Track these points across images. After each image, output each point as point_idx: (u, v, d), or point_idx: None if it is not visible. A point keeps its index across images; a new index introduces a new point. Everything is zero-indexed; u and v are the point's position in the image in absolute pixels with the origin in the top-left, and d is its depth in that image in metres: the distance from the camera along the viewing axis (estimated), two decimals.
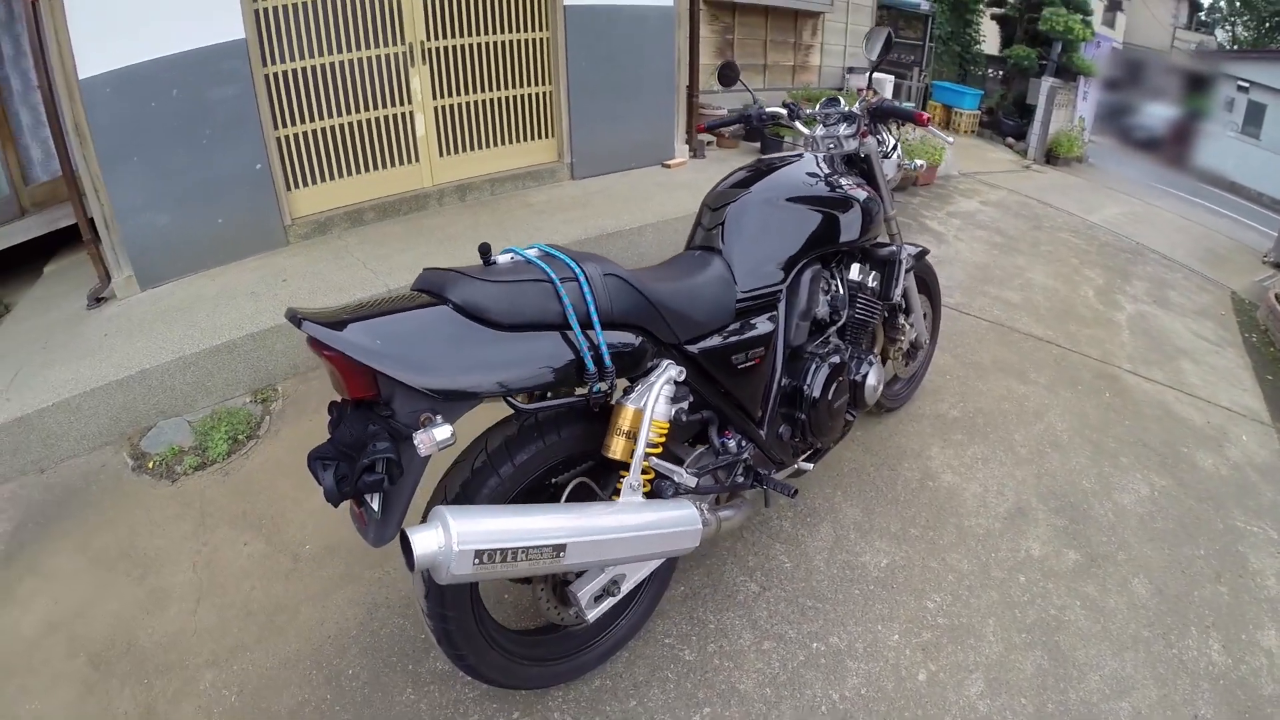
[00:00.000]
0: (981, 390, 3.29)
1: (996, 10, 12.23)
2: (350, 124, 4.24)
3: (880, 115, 2.39)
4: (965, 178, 7.55)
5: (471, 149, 4.79)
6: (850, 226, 2.10)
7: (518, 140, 4.98)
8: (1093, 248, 5.89)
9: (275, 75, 3.87)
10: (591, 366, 1.34)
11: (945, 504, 2.55)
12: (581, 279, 1.37)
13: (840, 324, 2.17)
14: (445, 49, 4.45)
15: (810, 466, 2.17)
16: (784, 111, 2.41)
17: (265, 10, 3.72)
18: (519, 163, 5.00)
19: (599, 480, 1.66)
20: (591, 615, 1.63)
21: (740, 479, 1.85)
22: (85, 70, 3.11)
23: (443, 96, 4.55)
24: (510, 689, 1.76)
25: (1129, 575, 2.39)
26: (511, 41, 4.71)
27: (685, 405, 1.62)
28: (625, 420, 1.50)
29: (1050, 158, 10.31)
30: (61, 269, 4.15)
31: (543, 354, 1.30)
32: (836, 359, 2.03)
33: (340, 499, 1.17)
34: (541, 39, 4.82)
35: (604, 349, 1.36)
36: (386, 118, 4.36)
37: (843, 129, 2.36)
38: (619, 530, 1.44)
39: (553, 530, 1.33)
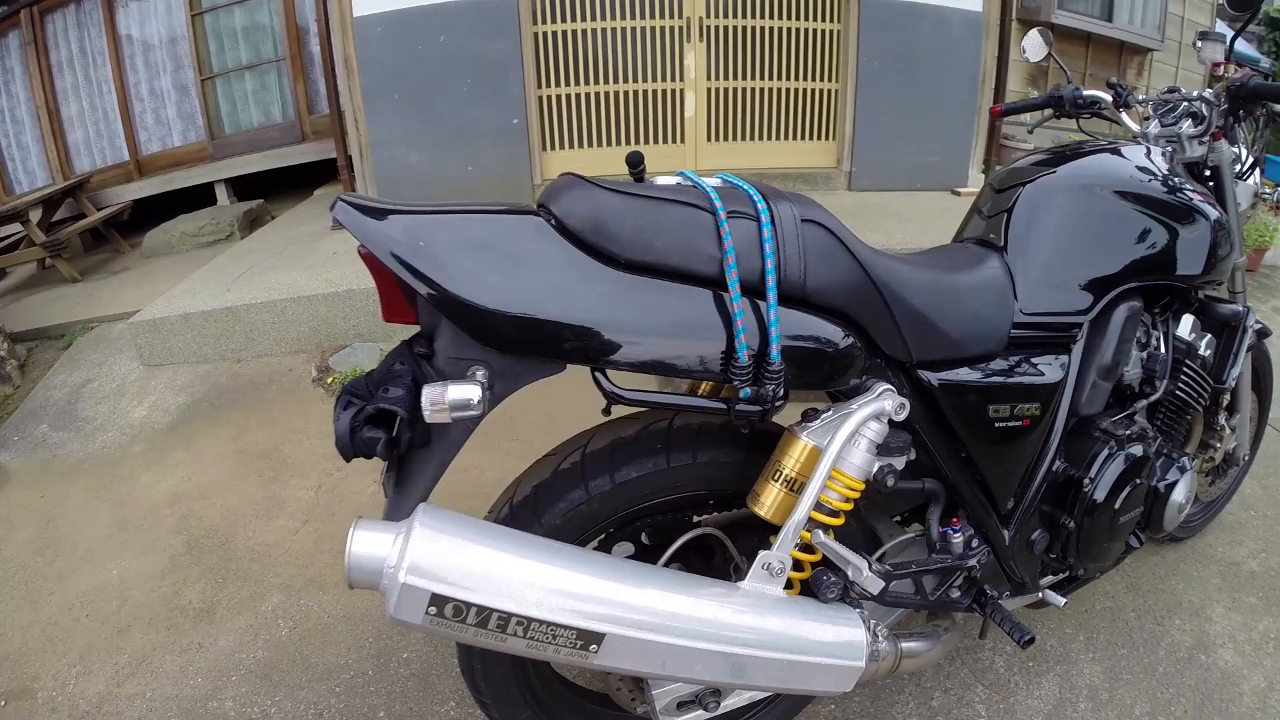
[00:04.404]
0: None
1: None
2: (617, 93, 4.28)
3: (1246, 100, 1.70)
4: None
5: (743, 139, 4.62)
6: (1193, 252, 1.49)
7: (794, 138, 4.73)
8: None
9: (544, 34, 4.01)
10: (744, 358, 0.90)
11: (1214, 692, 1.77)
12: (763, 218, 0.93)
13: (1153, 399, 1.53)
14: (725, 28, 4.34)
15: (1062, 601, 1.52)
16: (1107, 96, 1.83)
17: None
18: (792, 162, 4.74)
19: (729, 546, 1.19)
20: None
21: (955, 595, 1.30)
22: (360, 9, 3.46)
23: (717, 79, 4.43)
24: None
25: None
26: (797, 30, 4.47)
27: (901, 462, 1.11)
28: (791, 459, 1.03)
29: None
30: (329, 193, 4.79)
31: (668, 317, 0.89)
32: (1138, 450, 1.41)
33: (352, 451, 0.87)
34: (831, 31, 4.52)
35: (774, 334, 0.92)
36: (655, 92, 4.35)
37: (1186, 126, 1.72)
38: (714, 636, 0.93)
39: (587, 600, 0.86)
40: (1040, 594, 1.47)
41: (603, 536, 1.17)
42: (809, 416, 1.06)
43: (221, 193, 5.24)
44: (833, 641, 1.03)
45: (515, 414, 2.48)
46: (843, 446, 1.01)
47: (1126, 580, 2.06)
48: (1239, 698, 1.74)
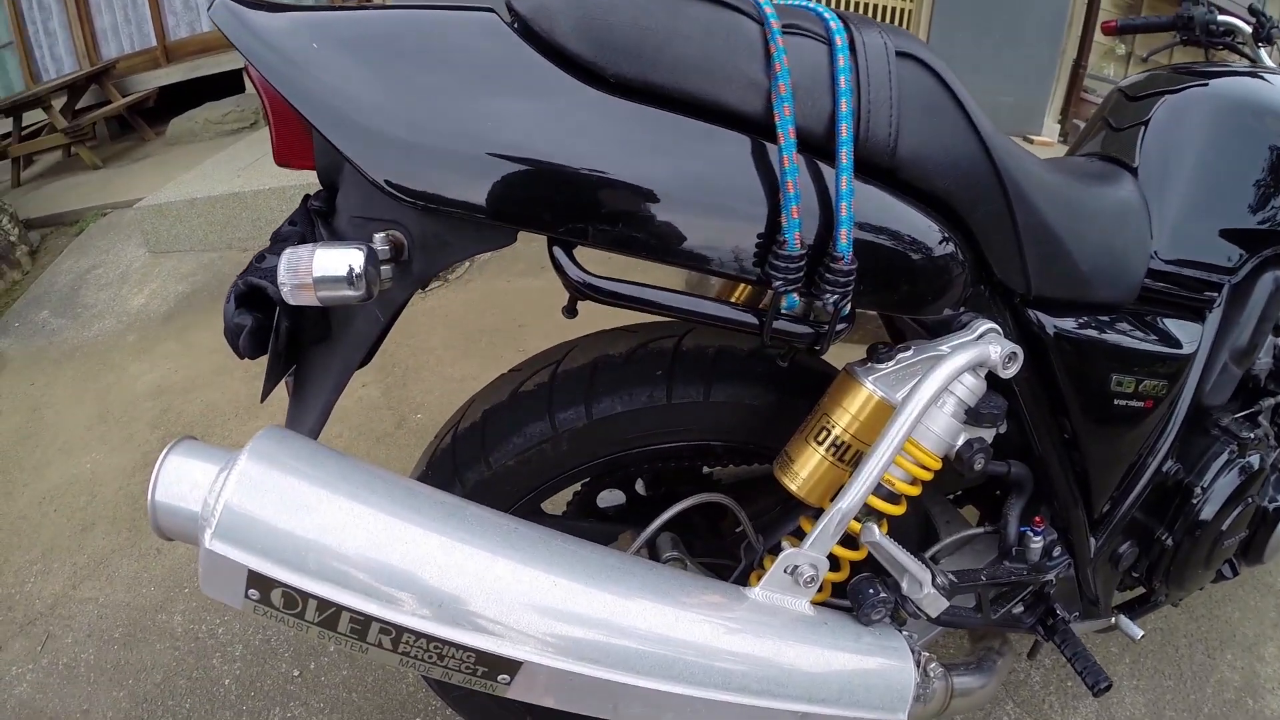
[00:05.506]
0: None
1: None
2: None
3: None
4: None
5: None
6: None
7: None
8: None
9: None
10: (793, 244, 0.59)
11: None
12: (839, 40, 0.62)
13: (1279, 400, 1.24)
14: None
15: (1139, 633, 1.25)
16: (1246, 26, 1.47)
17: None
18: None
19: (742, 519, 0.89)
20: None
21: (1019, 612, 1.02)
22: None
23: None
24: None
25: None
26: None
27: (991, 436, 0.78)
28: (847, 415, 0.72)
29: None
30: None
31: (675, 167, 0.58)
32: (1255, 460, 1.14)
33: (235, 337, 0.63)
34: None
35: (845, 212, 0.61)
36: None
37: None
38: (698, 674, 0.63)
39: (499, 606, 0.56)
40: (1113, 619, 1.20)
41: (579, 488, 0.92)
42: (878, 355, 0.74)
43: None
44: (871, 685, 0.71)
45: (525, 321, 2.27)
46: (927, 404, 0.69)
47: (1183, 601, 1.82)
48: None
